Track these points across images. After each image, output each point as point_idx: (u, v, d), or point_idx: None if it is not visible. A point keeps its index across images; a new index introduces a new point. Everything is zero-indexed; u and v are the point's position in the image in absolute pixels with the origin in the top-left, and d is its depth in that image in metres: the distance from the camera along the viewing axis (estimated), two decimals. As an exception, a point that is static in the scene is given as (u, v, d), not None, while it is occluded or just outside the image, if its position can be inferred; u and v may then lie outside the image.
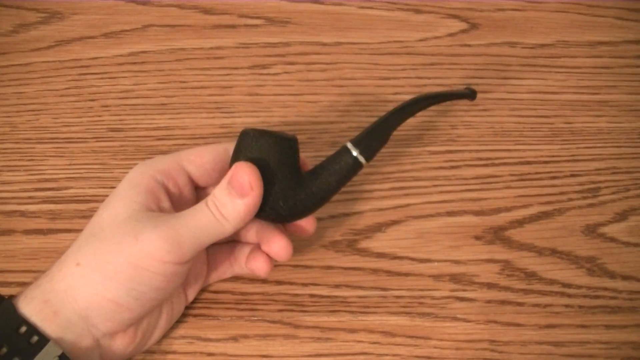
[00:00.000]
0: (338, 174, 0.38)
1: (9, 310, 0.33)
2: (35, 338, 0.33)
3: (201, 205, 0.35)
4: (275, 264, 0.43)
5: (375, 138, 0.38)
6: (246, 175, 0.35)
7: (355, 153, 0.38)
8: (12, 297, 0.34)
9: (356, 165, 0.38)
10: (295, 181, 0.37)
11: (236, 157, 0.37)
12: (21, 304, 0.34)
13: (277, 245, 0.39)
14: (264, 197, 0.36)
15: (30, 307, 0.34)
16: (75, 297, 0.34)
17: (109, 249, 0.34)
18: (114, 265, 0.34)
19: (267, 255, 0.39)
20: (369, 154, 0.38)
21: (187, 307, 0.41)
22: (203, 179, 0.39)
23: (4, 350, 0.32)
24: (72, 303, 0.34)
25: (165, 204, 0.37)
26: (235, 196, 0.35)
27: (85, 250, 0.35)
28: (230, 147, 0.38)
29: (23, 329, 0.33)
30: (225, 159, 0.38)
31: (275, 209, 0.37)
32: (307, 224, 0.39)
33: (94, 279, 0.34)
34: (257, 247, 0.40)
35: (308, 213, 0.39)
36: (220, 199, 0.35)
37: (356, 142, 0.38)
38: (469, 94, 0.42)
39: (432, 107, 0.48)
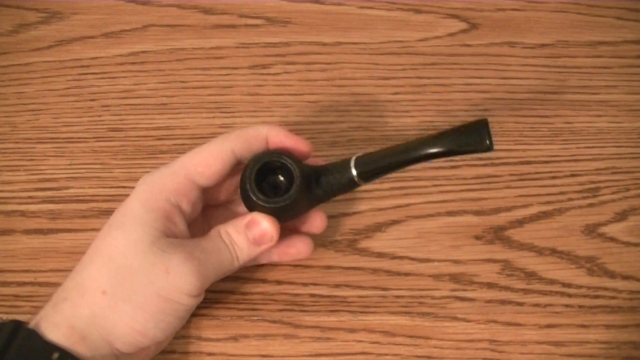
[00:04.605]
0: (338, 186, 0.39)
1: (36, 338, 0.33)
2: None
3: (220, 242, 0.37)
4: (275, 264, 0.43)
5: (378, 169, 0.38)
6: (268, 228, 0.37)
7: (354, 173, 0.38)
8: (21, 322, 0.34)
9: (353, 184, 0.38)
10: (302, 202, 0.38)
11: (249, 205, 0.38)
12: (45, 331, 0.34)
13: (319, 218, 0.41)
14: None
15: (57, 334, 0.33)
16: (102, 324, 0.34)
17: (138, 281, 0.34)
18: (144, 297, 0.34)
19: (304, 235, 0.41)
20: (367, 179, 0.38)
21: (187, 307, 0.41)
22: (211, 184, 0.38)
23: None
24: (99, 330, 0.34)
25: (181, 226, 0.37)
26: (253, 243, 0.37)
27: (111, 278, 0.34)
28: (235, 148, 0.37)
29: (55, 355, 0.33)
30: (232, 162, 0.38)
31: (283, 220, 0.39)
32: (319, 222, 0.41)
33: (122, 309, 0.34)
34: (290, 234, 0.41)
35: (307, 211, 0.40)
36: (238, 242, 0.37)
37: (358, 164, 0.38)
38: (486, 148, 0.38)
39: (432, 107, 0.48)
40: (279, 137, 0.38)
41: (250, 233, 0.37)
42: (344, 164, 0.38)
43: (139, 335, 0.34)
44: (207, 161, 0.37)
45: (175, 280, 0.34)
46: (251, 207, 0.38)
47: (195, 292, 0.35)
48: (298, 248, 0.40)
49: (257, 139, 0.38)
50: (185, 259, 0.35)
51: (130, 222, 0.35)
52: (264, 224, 0.37)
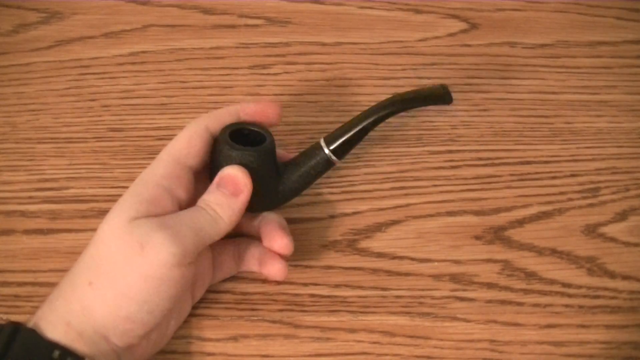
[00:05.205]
0: (313, 170, 0.40)
1: (35, 338, 0.33)
2: None
3: (197, 207, 0.37)
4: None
5: (347, 141, 0.40)
6: (238, 173, 0.37)
7: (327, 151, 0.40)
8: (20, 323, 0.34)
9: (328, 164, 0.40)
10: (274, 179, 0.39)
11: (219, 165, 0.38)
12: (44, 330, 0.33)
13: (279, 243, 0.40)
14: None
15: (55, 332, 0.33)
16: (93, 317, 0.34)
17: (117, 264, 0.34)
18: (125, 280, 0.34)
19: (281, 258, 0.40)
20: (341, 155, 0.40)
21: (187, 307, 0.41)
22: (197, 163, 0.39)
23: None
24: (91, 323, 0.34)
25: (170, 210, 0.36)
26: (230, 196, 0.37)
27: (95, 268, 0.35)
28: (208, 124, 0.39)
29: (56, 353, 0.33)
30: (208, 138, 0.39)
31: (256, 203, 0.39)
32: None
33: (107, 297, 0.34)
34: (268, 251, 0.40)
35: (283, 203, 0.41)
36: (215, 199, 0.37)
37: (329, 141, 0.40)
38: (445, 99, 0.41)
39: (432, 107, 0.48)
40: (249, 109, 0.40)
41: (224, 189, 0.37)
42: (315, 147, 0.40)
43: (126, 322, 0.34)
44: (189, 142, 0.38)
45: (150, 253, 0.34)
46: (224, 163, 0.38)
47: (173, 259, 0.34)
48: (275, 266, 0.40)
49: (229, 115, 0.39)
50: (157, 230, 0.34)
51: (114, 212, 0.36)
52: (234, 172, 0.37)
